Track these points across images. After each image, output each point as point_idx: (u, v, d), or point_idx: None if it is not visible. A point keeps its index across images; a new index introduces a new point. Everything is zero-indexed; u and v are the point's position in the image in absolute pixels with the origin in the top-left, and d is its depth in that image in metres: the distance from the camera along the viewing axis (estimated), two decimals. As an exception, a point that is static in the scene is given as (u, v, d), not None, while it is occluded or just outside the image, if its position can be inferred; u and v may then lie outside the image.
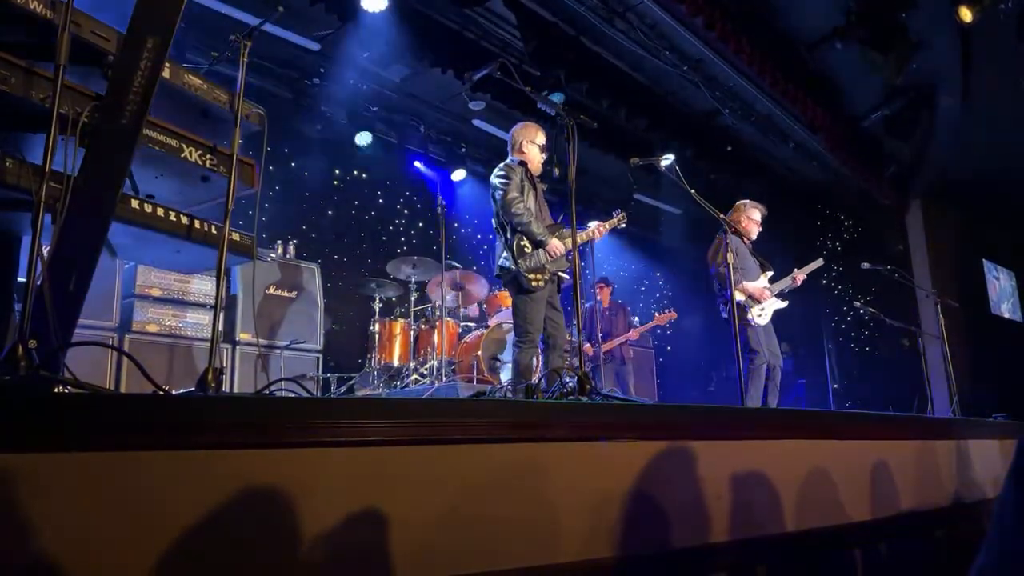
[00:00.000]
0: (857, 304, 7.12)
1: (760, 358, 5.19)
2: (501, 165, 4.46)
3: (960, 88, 7.16)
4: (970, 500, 3.64)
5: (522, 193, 4.33)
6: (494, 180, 4.40)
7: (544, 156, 4.56)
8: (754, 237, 5.60)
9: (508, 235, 4.33)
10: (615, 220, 4.75)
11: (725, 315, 5.27)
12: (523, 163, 4.48)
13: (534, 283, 4.24)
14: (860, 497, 2.95)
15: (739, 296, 5.18)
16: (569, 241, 4.25)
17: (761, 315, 5.34)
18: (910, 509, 3.18)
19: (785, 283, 5.53)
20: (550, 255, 4.29)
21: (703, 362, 11.21)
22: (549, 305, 4.38)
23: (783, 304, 5.49)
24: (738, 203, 5.67)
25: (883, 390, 8.78)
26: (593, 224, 4.71)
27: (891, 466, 3.15)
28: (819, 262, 5.79)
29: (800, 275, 5.57)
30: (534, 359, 4.38)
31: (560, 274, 4.40)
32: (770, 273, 5.51)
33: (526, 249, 4.28)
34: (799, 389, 9.72)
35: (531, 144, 4.51)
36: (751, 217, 5.58)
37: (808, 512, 2.64)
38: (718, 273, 5.29)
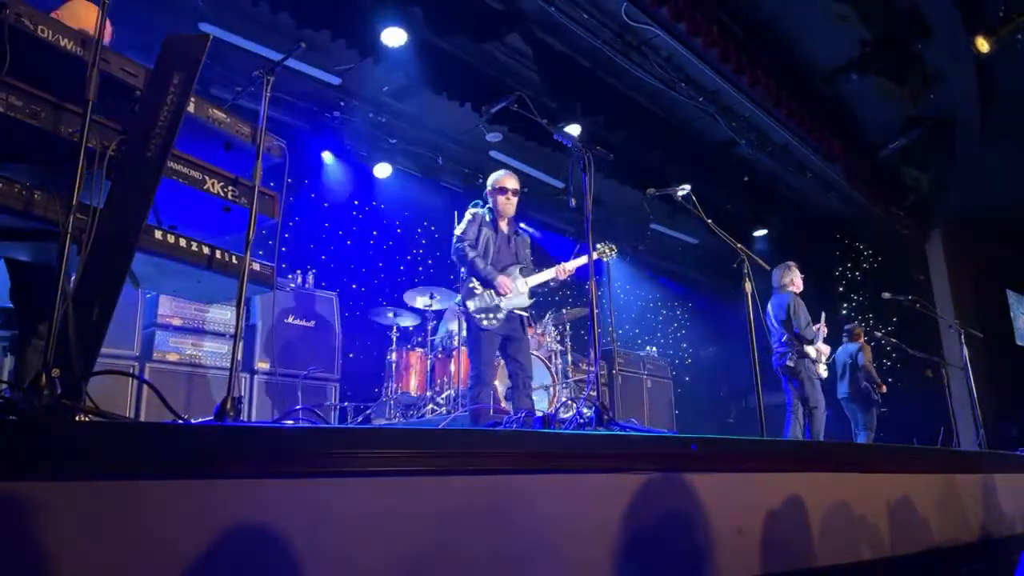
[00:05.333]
0: (878, 334, 7.06)
1: (823, 408, 5.88)
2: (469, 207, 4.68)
3: (979, 117, 7.13)
4: (998, 535, 3.55)
5: (477, 236, 4.48)
6: None
7: (511, 199, 4.62)
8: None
9: (463, 275, 4.48)
10: (597, 253, 4.62)
11: (791, 364, 5.97)
12: (491, 208, 4.63)
13: (485, 323, 4.32)
14: (885, 532, 2.88)
15: (814, 353, 5.99)
16: (520, 283, 4.44)
17: (825, 369, 6.13)
18: (936, 544, 3.11)
19: (822, 336, 6.21)
20: (498, 293, 4.35)
21: (722, 393, 11.08)
22: (513, 344, 4.44)
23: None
24: (782, 267, 6.31)
25: (906, 422, 8.62)
26: (559, 266, 4.58)
27: (916, 500, 3.08)
28: (823, 316, 6.48)
29: (824, 327, 6.32)
30: (488, 397, 4.42)
31: (517, 311, 4.44)
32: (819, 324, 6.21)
33: (476, 291, 4.38)
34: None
35: (494, 193, 4.64)
36: (798, 277, 6.29)
37: (832, 547, 2.58)
38: (801, 335, 5.98)
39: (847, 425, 9.69)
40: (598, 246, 4.64)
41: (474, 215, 4.60)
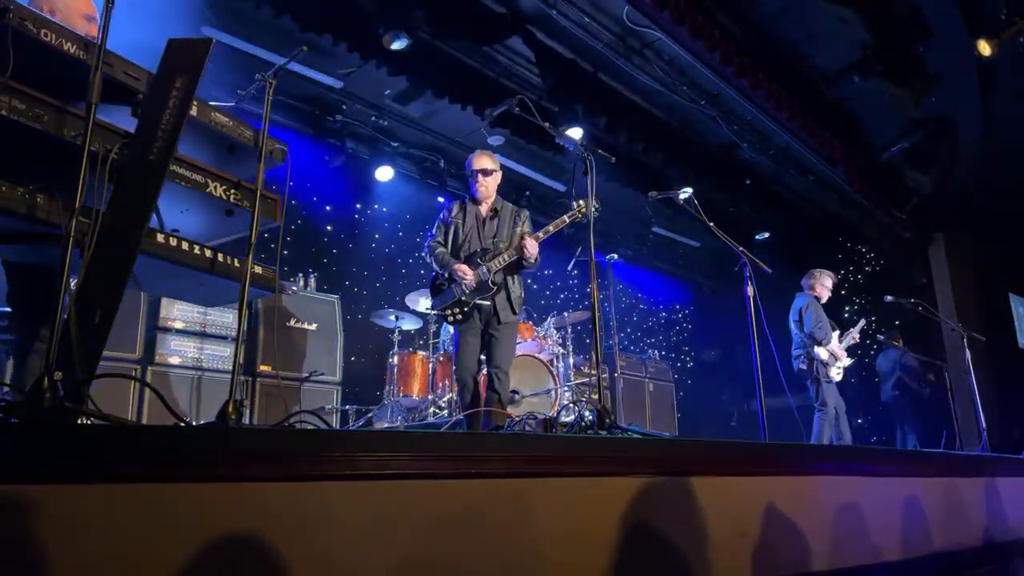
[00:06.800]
0: (881, 337, 7.07)
1: (830, 412, 5.91)
2: None
3: (981, 120, 7.12)
4: (1001, 540, 3.53)
5: (446, 232, 4.39)
6: None
7: (482, 180, 4.38)
8: (824, 301, 6.40)
9: (432, 275, 4.40)
10: (570, 214, 4.20)
11: (803, 366, 6.12)
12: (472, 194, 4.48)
13: (451, 319, 4.23)
14: (888, 536, 2.87)
15: (824, 355, 6.06)
16: (484, 268, 4.20)
17: (839, 373, 6.16)
18: (939, 549, 3.10)
19: (847, 342, 6.28)
20: (455, 279, 4.18)
21: (724, 397, 11.07)
22: (489, 339, 4.27)
23: (851, 361, 6.33)
24: (812, 271, 6.45)
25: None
26: (520, 242, 4.28)
27: (920, 504, 3.07)
28: (863, 322, 6.63)
29: (856, 334, 6.39)
30: (467, 395, 4.30)
31: (481, 302, 4.20)
32: (837, 332, 6.25)
33: (442, 287, 4.29)
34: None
35: (468, 178, 4.49)
36: (824, 284, 6.39)
37: (835, 551, 2.57)
38: (812, 336, 6.09)
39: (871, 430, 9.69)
40: (574, 204, 4.20)
41: (451, 208, 4.49)
